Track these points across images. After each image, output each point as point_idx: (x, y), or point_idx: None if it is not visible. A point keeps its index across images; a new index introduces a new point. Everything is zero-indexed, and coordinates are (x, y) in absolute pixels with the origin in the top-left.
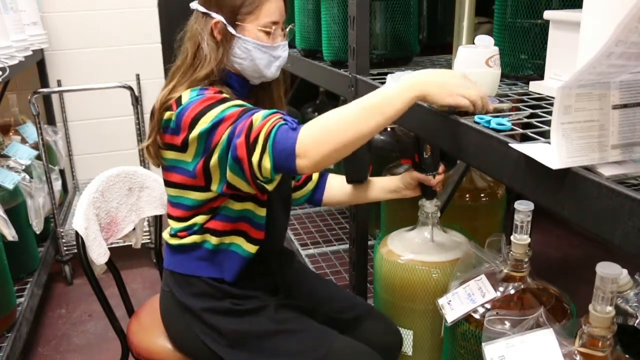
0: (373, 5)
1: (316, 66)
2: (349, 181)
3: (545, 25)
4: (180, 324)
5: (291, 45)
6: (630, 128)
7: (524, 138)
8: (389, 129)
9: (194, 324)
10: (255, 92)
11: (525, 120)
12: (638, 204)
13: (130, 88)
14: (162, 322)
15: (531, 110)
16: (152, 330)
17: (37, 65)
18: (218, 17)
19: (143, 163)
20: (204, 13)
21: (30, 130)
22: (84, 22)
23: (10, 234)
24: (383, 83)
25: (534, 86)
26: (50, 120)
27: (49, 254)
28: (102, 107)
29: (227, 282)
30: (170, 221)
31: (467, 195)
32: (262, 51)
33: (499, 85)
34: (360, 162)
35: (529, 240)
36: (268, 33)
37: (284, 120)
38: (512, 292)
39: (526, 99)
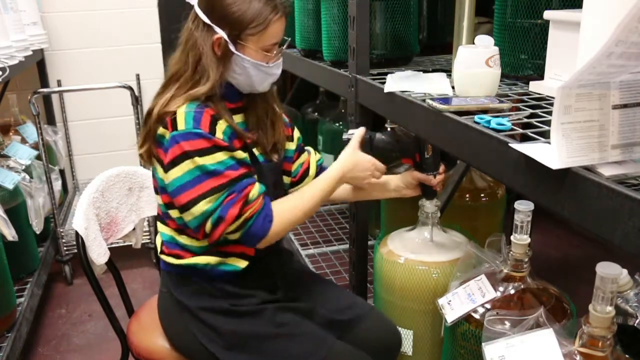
0: (373, 5)
1: (316, 66)
2: None
3: (545, 25)
4: (179, 325)
5: (291, 45)
6: (630, 128)
7: (524, 138)
8: (389, 129)
9: (192, 324)
10: (247, 95)
11: (525, 120)
12: (638, 204)
13: (130, 88)
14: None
15: (531, 110)
16: (152, 330)
17: (37, 65)
18: (221, 34)
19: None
20: (206, 24)
21: (30, 130)
22: (84, 22)
23: (10, 234)
24: (383, 83)
25: (534, 86)
26: (50, 120)
27: (49, 254)
28: (102, 107)
29: (225, 281)
30: (161, 225)
31: (467, 195)
32: (259, 70)
33: (499, 85)
34: None
35: (529, 240)
36: (268, 51)
37: (264, 204)
38: (512, 292)
39: (526, 99)
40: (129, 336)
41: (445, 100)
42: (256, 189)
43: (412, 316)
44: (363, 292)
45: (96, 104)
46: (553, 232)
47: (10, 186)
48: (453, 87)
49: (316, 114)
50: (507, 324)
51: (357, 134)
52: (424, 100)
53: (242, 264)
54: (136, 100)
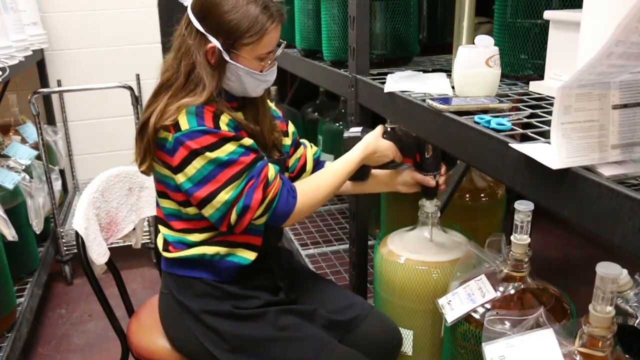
0: (373, 5)
1: (316, 66)
2: (350, 179)
3: (545, 25)
4: (180, 327)
5: (291, 45)
6: (630, 128)
7: (524, 138)
8: (389, 129)
9: (194, 326)
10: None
11: (525, 120)
12: (638, 204)
13: (130, 88)
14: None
15: (531, 110)
16: (152, 330)
17: (37, 65)
18: (215, 43)
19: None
20: (199, 31)
21: (30, 130)
22: (84, 22)
23: (10, 234)
24: (383, 83)
25: (534, 86)
26: (50, 120)
27: (49, 254)
28: (102, 107)
29: (227, 282)
30: (163, 228)
31: (467, 195)
32: (253, 77)
33: (499, 85)
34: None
35: (529, 240)
36: (262, 59)
37: (283, 181)
38: (512, 292)
39: (526, 99)
40: (129, 336)
41: (445, 100)
42: (272, 169)
43: (412, 316)
44: (363, 292)
45: (96, 104)
46: (553, 232)
47: (10, 186)
48: (453, 87)
49: (316, 114)
50: (507, 324)
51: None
52: (424, 100)
53: (251, 255)
54: (136, 100)
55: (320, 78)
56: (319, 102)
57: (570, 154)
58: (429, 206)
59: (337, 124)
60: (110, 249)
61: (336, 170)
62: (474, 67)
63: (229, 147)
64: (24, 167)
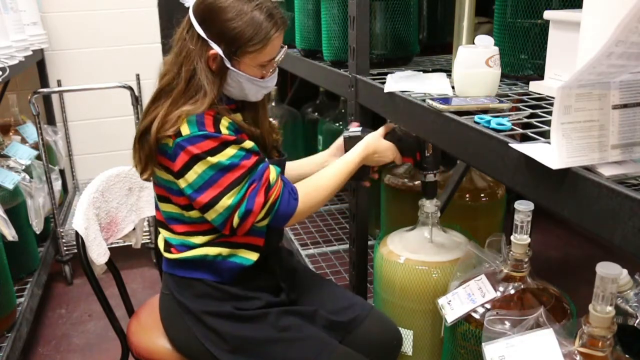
0: (373, 5)
1: (316, 66)
2: (350, 179)
3: (545, 25)
4: (181, 327)
5: (291, 45)
6: (630, 128)
7: (524, 138)
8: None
9: (195, 327)
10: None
11: (525, 120)
12: (638, 204)
13: (130, 88)
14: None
15: (531, 110)
16: (152, 330)
17: (37, 65)
18: (217, 49)
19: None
20: (201, 37)
21: (30, 130)
22: (84, 22)
23: (10, 234)
24: (383, 83)
25: (534, 86)
26: (50, 120)
27: (49, 254)
28: (102, 107)
29: (228, 283)
30: (164, 231)
31: (467, 195)
32: (254, 84)
33: (499, 85)
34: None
35: (529, 240)
36: (264, 66)
37: (284, 183)
38: (512, 292)
39: (526, 99)
40: (129, 336)
41: (445, 100)
42: (273, 172)
43: (412, 316)
44: (363, 292)
45: (96, 104)
46: (553, 232)
47: (10, 186)
48: (453, 87)
49: (316, 114)
50: (507, 324)
51: (384, 126)
52: (424, 100)
53: (253, 256)
54: (136, 100)
55: (320, 78)
56: (319, 102)
57: (570, 154)
58: (429, 206)
59: (337, 124)
60: (110, 249)
61: (336, 171)
62: (474, 67)
63: (230, 151)
64: (24, 167)
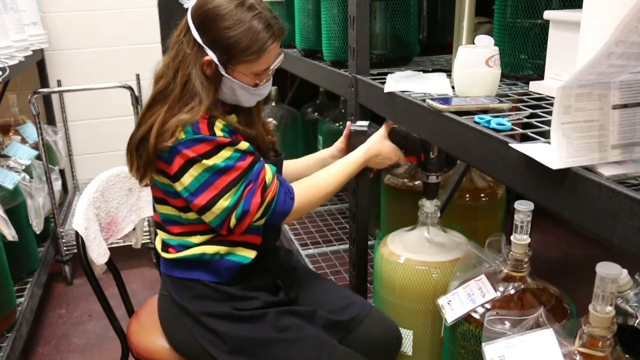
0: (373, 5)
1: (316, 66)
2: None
3: (545, 25)
4: (180, 329)
5: (291, 45)
6: (630, 128)
7: (524, 138)
8: (396, 128)
9: (194, 329)
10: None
11: (525, 120)
12: (638, 204)
13: (130, 88)
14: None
15: (531, 110)
16: (152, 330)
17: (37, 65)
18: (212, 56)
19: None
20: (197, 42)
21: (30, 130)
22: (84, 22)
23: (10, 234)
24: (383, 83)
25: (534, 86)
26: (50, 120)
27: (49, 254)
28: (102, 107)
29: (226, 283)
30: (162, 232)
31: (467, 195)
32: (247, 91)
33: (499, 85)
34: None
35: (529, 240)
36: (258, 75)
37: (280, 182)
38: (512, 292)
39: (526, 99)
40: (129, 336)
41: (445, 100)
42: (269, 172)
43: (412, 316)
44: (363, 292)
45: (96, 104)
46: (553, 232)
47: (10, 186)
48: (453, 87)
49: (316, 114)
50: (507, 324)
51: (384, 125)
52: (424, 100)
53: (251, 254)
54: (136, 100)
55: (320, 78)
56: (319, 102)
57: (570, 154)
58: (429, 206)
59: (337, 124)
60: (110, 249)
61: (337, 171)
62: (474, 67)
63: (225, 153)
64: (24, 167)
